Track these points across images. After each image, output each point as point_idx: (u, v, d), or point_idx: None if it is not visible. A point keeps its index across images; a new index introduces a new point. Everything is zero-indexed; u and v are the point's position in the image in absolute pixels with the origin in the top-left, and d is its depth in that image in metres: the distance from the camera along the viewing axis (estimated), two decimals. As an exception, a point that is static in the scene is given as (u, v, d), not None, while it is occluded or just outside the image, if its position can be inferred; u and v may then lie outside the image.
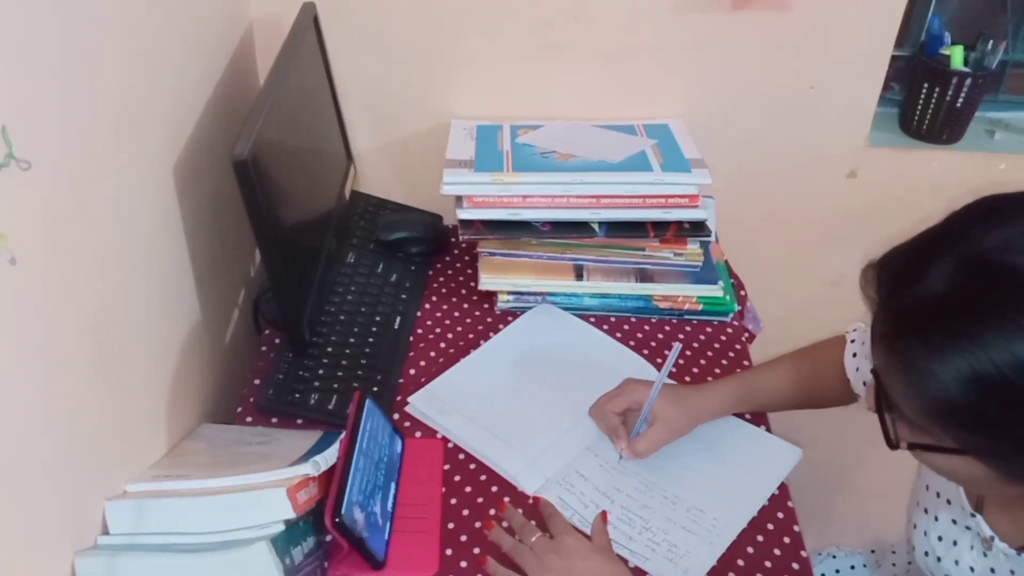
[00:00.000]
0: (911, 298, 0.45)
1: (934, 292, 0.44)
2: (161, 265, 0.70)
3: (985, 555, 0.59)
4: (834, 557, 0.87)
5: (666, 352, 0.74)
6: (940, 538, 0.62)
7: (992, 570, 0.58)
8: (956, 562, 0.61)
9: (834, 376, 0.72)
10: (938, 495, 0.63)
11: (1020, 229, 0.44)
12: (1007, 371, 0.41)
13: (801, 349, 0.77)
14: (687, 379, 0.83)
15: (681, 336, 0.89)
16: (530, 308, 0.89)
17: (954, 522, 0.62)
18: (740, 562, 0.66)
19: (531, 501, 0.70)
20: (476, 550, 0.66)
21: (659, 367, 0.84)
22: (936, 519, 0.63)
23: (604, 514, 0.67)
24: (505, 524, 0.67)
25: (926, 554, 0.64)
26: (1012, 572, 0.57)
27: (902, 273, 0.47)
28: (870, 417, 0.85)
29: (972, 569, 0.60)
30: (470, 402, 0.77)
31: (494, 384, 0.80)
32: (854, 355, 0.71)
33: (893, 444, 0.50)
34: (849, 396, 0.73)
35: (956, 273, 0.44)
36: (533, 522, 0.66)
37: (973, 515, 0.59)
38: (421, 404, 0.77)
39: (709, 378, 0.84)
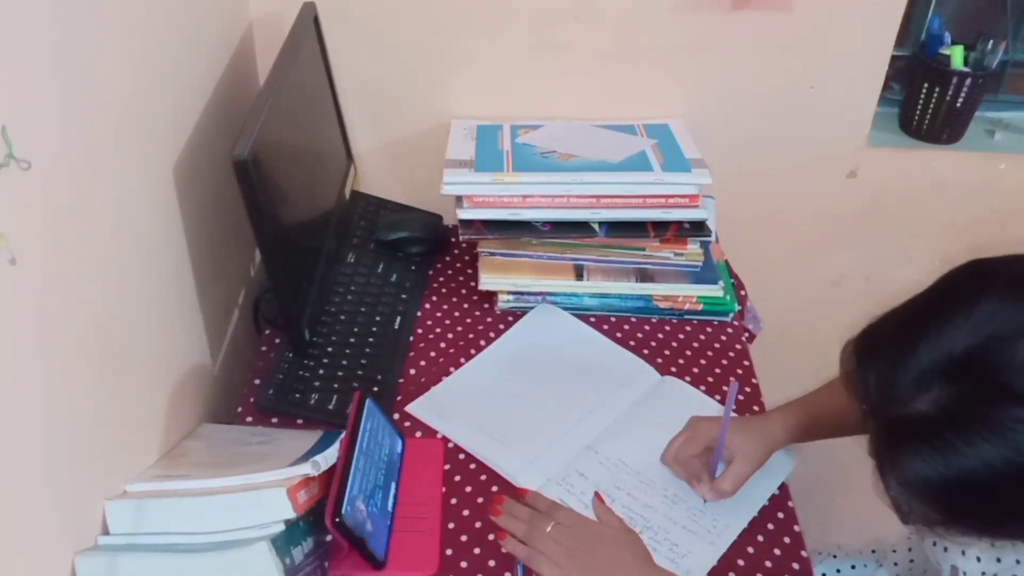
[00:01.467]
0: (897, 415, 0.46)
1: (920, 412, 0.45)
2: (161, 265, 0.70)
3: (992, 544, 0.59)
4: (834, 557, 0.87)
5: (732, 382, 0.71)
6: None
7: (998, 560, 0.59)
8: (963, 552, 0.61)
9: None
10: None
11: (1004, 325, 0.43)
12: (988, 477, 0.43)
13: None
14: (687, 379, 0.83)
15: (681, 336, 0.88)
16: (530, 308, 0.89)
17: None
18: (740, 562, 0.66)
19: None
20: (476, 550, 0.66)
21: (660, 368, 0.84)
22: None
23: (599, 495, 0.67)
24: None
25: (934, 543, 0.64)
26: (1018, 561, 0.57)
27: (885, 380, 0.47)
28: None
29: (979, 559, 0.60)
30: (469, 406, 0.77)
31: (493, 387, 0.80)
32: None
33: (906, 523, 0.51)
34: None
35: (938, 391, 0.44)
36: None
37: None
38: (420, 411, 0.77)
39: (709, 378, 0.84)
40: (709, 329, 0.90)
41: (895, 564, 0.82)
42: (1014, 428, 0.42)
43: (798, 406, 0.73)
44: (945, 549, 0.62)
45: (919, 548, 0.81)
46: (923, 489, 0.45)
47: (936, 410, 0.44)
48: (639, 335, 0.88)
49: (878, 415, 0.47)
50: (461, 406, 0.78)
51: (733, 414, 0.71)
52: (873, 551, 0.86)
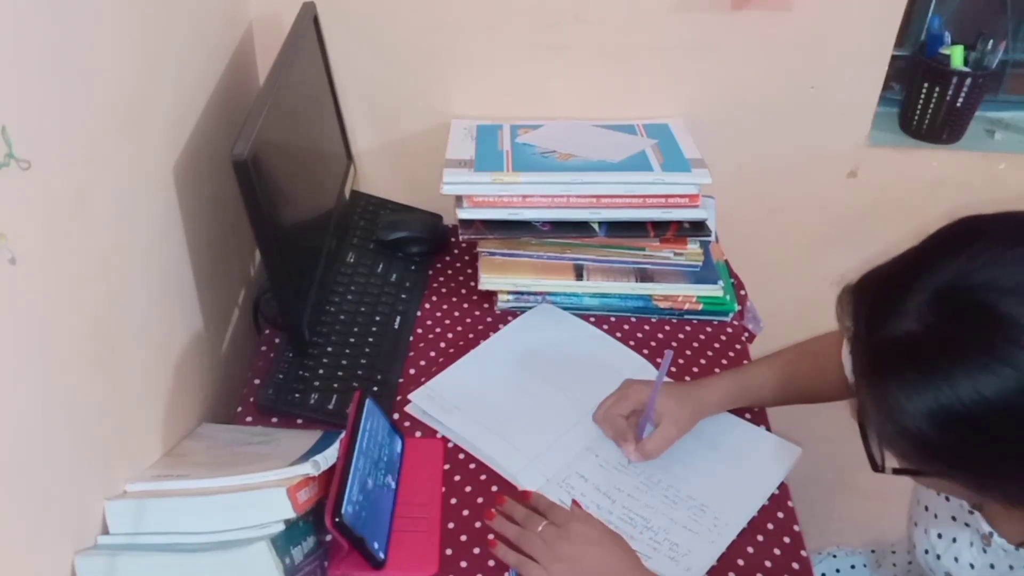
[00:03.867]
0: (886, 337, 0.46)
1: (908, 332, 0.44)
2: (161, 265, 0.70)
3: (984, 551, 0.59)
4: (834, 556, 0.87)
5: (665, 352, 0.73)
6: (940, 535, 0.62)
7: (992, 566, 0.59)
8: (956, 559, 0.61)
9: (832, 371, 0.72)
10: (938, 492, 0.63)
11: (994, 262, 0.44)
12: (975, 408, 0.42)
13: (799, 343, 0.77)
14: (687, 379, 0.83)
15: (681, 336, 0.89)
16: (530, 308, 0.89)
17: (953, 519, 0.62)
18: (740, 561, 0.66)
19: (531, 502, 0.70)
20: (476, 550, 0.66)
21: (659, 367, 0.84)
22: (936, 516, 0.63)
23: (575, 502, 0.67)
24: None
25: (926, 552, 0.64)
26: (1011, 567, 0.57)
27: (877, 308, 0.47)
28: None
29: (972, 566, 0.60)
30: (471, 400, 0.77)
31: (495, 382, 0.80)
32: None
33: (878, 468, 0.50)
34: (847, 390, 0.73)
35: (929, 312, 0.44)
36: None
37: (971, 512, 0.59)
38: (422, 401, 0.77)
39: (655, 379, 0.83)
40: (709, 329, 0.90)
41: (894, 564, 0.82)
42: (1003, 348, 0.41)
43: (732, 375, 0.75)
44: (938, 557, 0.62)
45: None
46: (906, 418, 0.44)
47: (925, 331, 0.44)
48: (639, 335, 0.88)
49: (867, 343, 0.47)
50: (462, 399, 0.77)
51: (667, 380, 0.73)
52: (873, 551, 0.86)
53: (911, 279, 0.46)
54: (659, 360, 0.83)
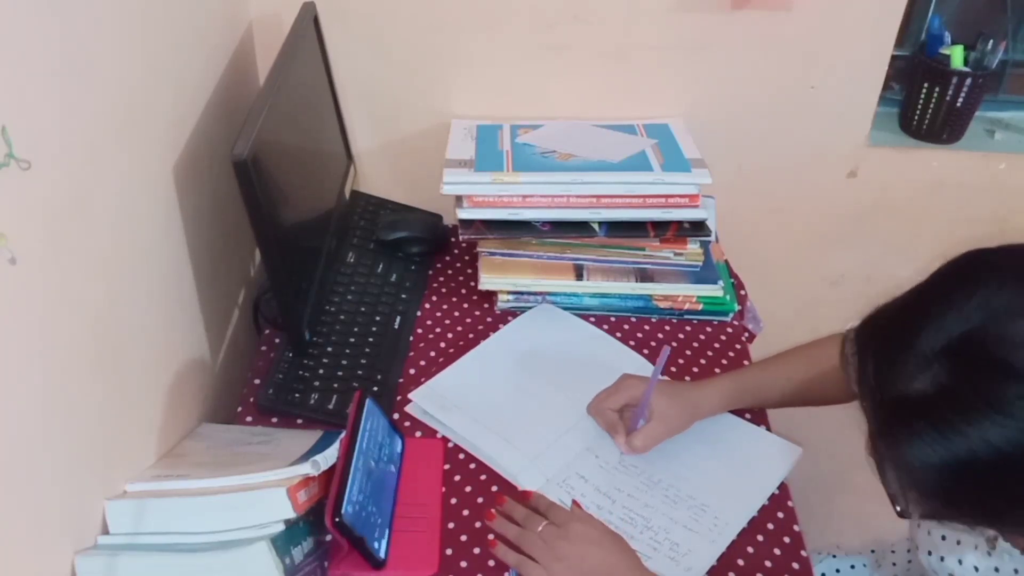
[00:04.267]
0: (897, 396, 0.45)
1: (919, 391, 0.44)
2: (161, 265, 0.70)
3: (989, 554, 0.59)
4: (834, 557, 0.87)
5: (663, 348, 0.74)
6: (944, 537, 0.62)
7: (996, 569, 0.58)
8: (960, 561, 0.61)
9: (832, 374, 0.72)
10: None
11: (1003, 312, 0.43)
12: (991, 461, 0.42)
13: (799, 347, 0.77)
14: (687, 378, 0.83)
15: (681, 336, 0.89)
16: (530, 308, 0.89)
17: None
18: (740, 561, 0.66)
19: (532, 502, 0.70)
20: (476, 550, 0.66)
21: (656, 363, 0.84)
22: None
23: (576, 503, 0.67)
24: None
25: (929, 553, 0.63)
26: (1016, 571, 0.57)
27: (884, 363, 0.47)
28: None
29: (976, 568, 0.60)
30: (472, 399, 0.77)
31: (495, 382, 0.80)
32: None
33: (903, 514, 0.50)
34: (847, 394, 0.73)
35: (940, 369, 0.44)
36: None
37: None
38: (422, 400, 0.77)
39: (651, 375, 0.83)
40: (709, 329, 0.90)
41: (893, 564, 0.82)
42: (1015, 404, 0.41)
43: (731, 377, 0.75)
44: (942, 559, 0.62)
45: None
46: (922, 474, 0.44)
47: (936, 389, 0.43)
48: (639, 335, 0.88)
49: (877, 399, 0.47)
50: (463, 399, 0.77)
51: (664, 378, 0.74)
52: (872, 551, 0.86)
53: (919, 329, 0.45)
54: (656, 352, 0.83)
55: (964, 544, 0.61)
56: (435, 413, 0.76)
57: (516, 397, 0.79)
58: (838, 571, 0.85)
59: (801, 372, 0.75)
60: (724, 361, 0.86)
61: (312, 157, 0.88)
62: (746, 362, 0.86)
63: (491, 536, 0.64)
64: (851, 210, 1.08)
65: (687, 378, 0.83)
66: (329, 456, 0.63)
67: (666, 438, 0.72)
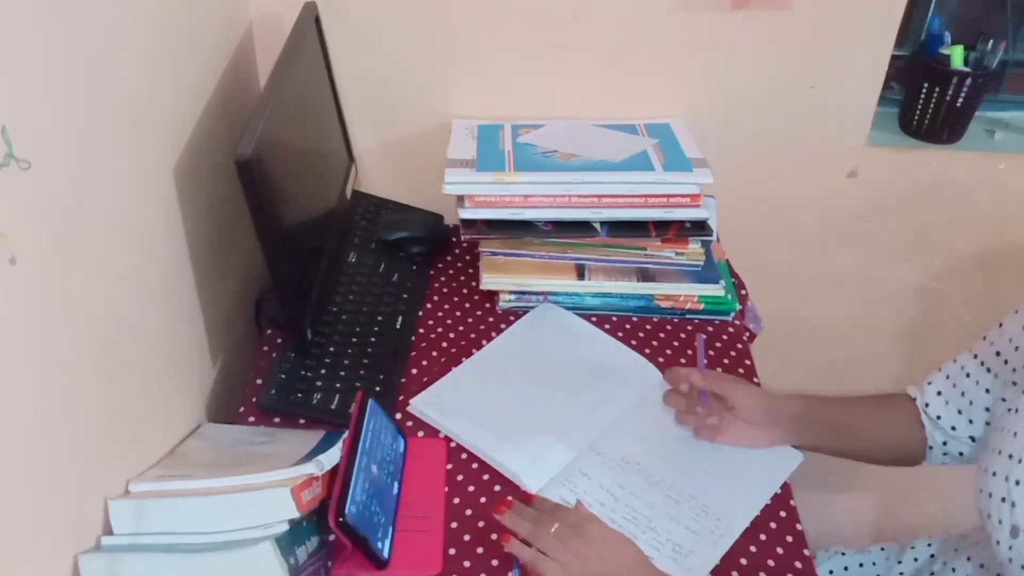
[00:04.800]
0: None
1: None
2: (162, 265, 0.69)
3: None
4: (842, 554, 0.87)
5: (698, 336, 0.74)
6: (1018, 482, 0.60)
7: None
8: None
9: (898, 432, 0.74)
10: None
11: None
12: None
13: (865, 397, 0.77)
14: (689, 378, 0.83)
15: (682, 335, 0.88)
16: (532, 308, 0.89)
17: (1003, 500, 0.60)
18: (743, 561, 0.66)
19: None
20: (480, 549, 0.66)
21: (661, 367, 0.84)
22: (1019, 461, 0.60)
23: (580, 504, 0.66)
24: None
25: (1003, 500, 0.61)
26: None
27: None
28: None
29: None
30: (472, 403, 0.77)
31: (496, 385, 0.80)
32: (938, 417, 0.72)
33: None
34: (904, 459, 0.75)
35: None
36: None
37: None
38: (422, 406, 0.77)
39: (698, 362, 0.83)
40: (710, 328, 0.90)
41: (899, 563, 0.82)
42: None
43: (805, 397, 0.75)
44: (1014, 504, 0.59)
45: (924, 547, 0.81)
46: None
47: None
48: (640, 334, 0.88)
49: None
50: (463, 402, 0.77)
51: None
52: (882, 548, 0.86)
53: None
54: (661, 360, 0.83)
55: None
56: (435, 418, 0.76)
57: (517, 399, 0.79)
58: (846, 568, 0.85)
59: (867, 414, 0.75)
60: (726, 361, 0.86)
61: (314, 157, 0.88)
62: (748, 362, 0.86)
63: (501, 533, 0.64)
64: (851, 210, 1.08)
65: (689, 378, 0.83)
66: (332, 456, 0.63)
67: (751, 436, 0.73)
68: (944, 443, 0.72)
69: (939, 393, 0.72)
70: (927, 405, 0.73)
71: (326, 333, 0.82)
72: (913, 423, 0.73)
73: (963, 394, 0.71)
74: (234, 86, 0.86)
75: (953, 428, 0.71)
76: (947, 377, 0.72)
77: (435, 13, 0.93)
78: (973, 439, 0.71)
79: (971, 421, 0.70)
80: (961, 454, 0.72)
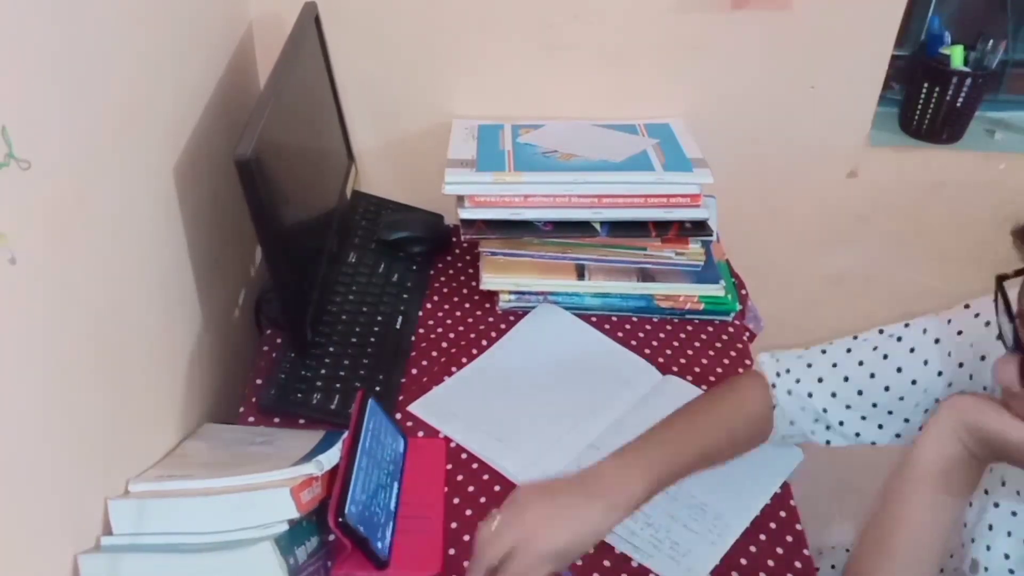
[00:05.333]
0: None
1: None
2: (161, 265, 0.69)
3: None
4: (847, 551, 0.86)
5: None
6: (983, 517, 0.61)
7: None
8: (988, 547, 0.60)
9: (756, 414, 0.67)
10: (996, 475, 0.61)
11: None
12: None
13: (699, 404, 0.68)
14: (688, 378, 0.83)
15: (682, 336, 0.88)
16: (532, 308, 0.89)
17: (996, 505, 0.61)
18: (743, 561, 0.66)
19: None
20: (479, 550, 0.66)
21: (661, 367, 0.84)
22: (989, 496, 0.61)
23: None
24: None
25: (964, 525, 0.62)
26: None
27: None
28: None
29: (1007, 556, 0.59)
30: (470, 406, 0.77)
31: (494, 387, 0.80)
32: (788, 392, 0.66)
33: None
34: (759, 436, 0.68)
35: None
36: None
37: None
38: (422, 412, 0.77)
39: (711, 377, 0.83)
40: (710, 329, 0.90)
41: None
42: None
43: (644, 472, 0.61)
44: (972, 540, 0.61)
45: None
46: None
47: None
48: (640, 335, 0.88)
49: None
50: (463, 406, 0.78)
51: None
52: None
53: None
54: (661, 361, 0.83)
55: (996, 530, 0.60)
56: (435, 423, 0.76)
57: (515, 401, 0.78)
58: None
59: (714, 438, 0.65)
60: (726, 361, 0.86)
61: (314, 157, 0.88)
62: (748, 362, 0.86)
63: None
64: (851, 210, 1.08)
65: (688, 378, 0.83)
66: (332, 456, 0.63)
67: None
68: (792, 423, 0.66)
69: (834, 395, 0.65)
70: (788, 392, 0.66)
71: (326, 333, 0.82)
72: (764, 408, 0.66)
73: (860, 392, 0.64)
74: (234, 86, 0.86)
75: (841, 423, 0.65)
76: (834, 366, 0.65)
77: (435, 13, 0.93)
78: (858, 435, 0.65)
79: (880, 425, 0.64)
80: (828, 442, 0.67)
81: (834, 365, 0.66)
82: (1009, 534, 0.59)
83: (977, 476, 0.57)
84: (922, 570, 0.56)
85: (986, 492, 0.62)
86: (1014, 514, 0.59)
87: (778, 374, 0.68)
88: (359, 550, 0.61)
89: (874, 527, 0.58)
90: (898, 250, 1.12)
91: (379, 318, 0.86)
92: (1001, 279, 0.52)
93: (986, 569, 0.60)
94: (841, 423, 0.66)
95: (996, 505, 0.61)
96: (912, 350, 0.64)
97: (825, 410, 0.66)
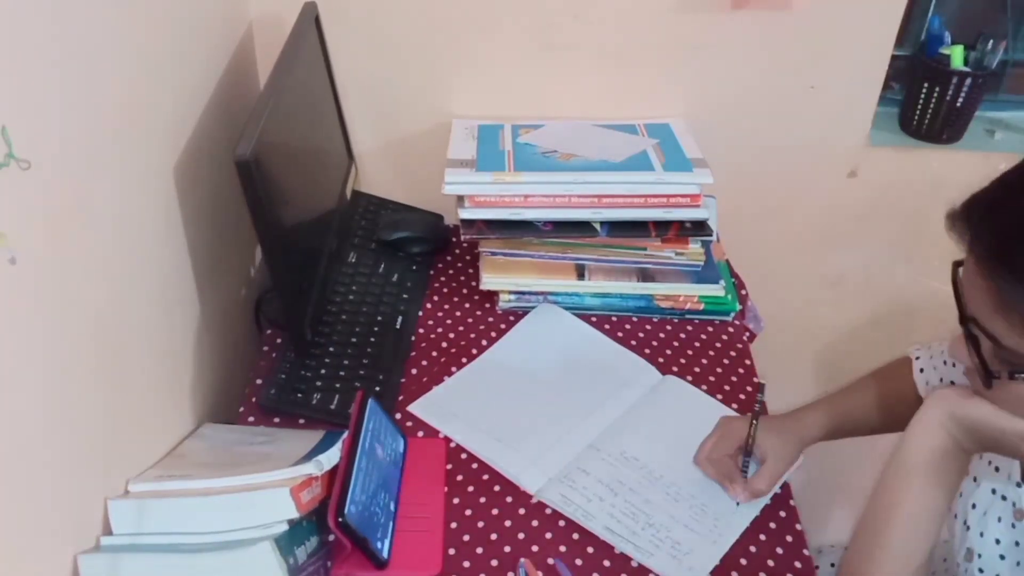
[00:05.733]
0: (1000, 229, 0.49)
1: (1017, 221, 0.48)
2: (161, 265, 0.69)
3: (1013, 526, 0.59)
4: (846, 549, 0.87)
5: (760, 385, 0.73)
6: (974, 505, 0.62)
7: (1016, 543, 0.58)
8: (981, 533, 0.61)
9: (910, 395, 0.73)
10: (989, 463, 0.62)
11: None
12: None
13: (872, 372, 0.76)
14: (688, 378, 0.83)
15: (682, 336, 0.88)
16: (531, 308, 0.89)
17: (993, 491, 0.61)
18: (743, 561, 0.66)
19: (533, 501, 0.70)
20: (479, 549, 0.66)
21: (661, 367, 0.84)
22: (978, 485, 0.62)
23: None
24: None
25: (955, 516, 0.63)
26: None
27: (988, 210, 0.51)
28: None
29: (998, 541, 0.59)
30: (470, 407, 0.77)
31: (495, 387, 0.80)
32: (921, 370, 0.72)
33: (993, 376, 0.52)
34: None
35: None
36: None
37: (1019, 485, 0.59)
38: (422, 412, 0.77)
39: (711, 377, 0.84)
40: (710, 329, 0.90)
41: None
42: None
43: (826, 405, 0.74)
44: (967, 527, 0.62)
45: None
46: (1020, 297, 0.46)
47: None
48: (640, 335, 0.88)
49: (983, 234, 0.50)
50: (462, 407, 0.78)
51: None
52: None
53: (1015, 187, 0.51)
54: (661, 361, 0.83)
55: (990, 515, 0.60)
56: (435, 423, 0.76)
57: (515, 401, 0.79)
58: None
59: (884, 394, 0.74)
60: (726, 361, 0.86)
61: (314, 157, 0.88)
62: (748, 362, 0.86)
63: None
64: (851, 210, 1.08)
65: (688, 378, 0.83)
66: (332, 456, 0.63)
67: (785, 476, 0.69)
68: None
69: (921, 371, 0.72)
70: (921, 370, 0.72)
71: (326, 333, 0.82)
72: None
73: (942, 380, 0.70)
74: (234, 86, 0.86)
75: None
76: (931, 358, 0.72)
77: (435, 13, 0.93)
78: None
79: None
80: None
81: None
82: (1000, 519, 0.60)
83: (965, 466, 0.59)
84: (915, 560, 0.57)
85: (975, 480, 0.63)
86: (1004, 498, 0.60)
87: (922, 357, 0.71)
88: (359, 550, 0.61)
89: (867, 520, 0.60)
90: (898, 250, 1.12)
91: (379, 318, 0.86)
92: (957, 265, 0.55)
93: (979, 556, 0.60)
94: None
95: (993, 491, 0.61)
96: None
97: None
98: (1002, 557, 0.59)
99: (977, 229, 0.52)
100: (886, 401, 0.74)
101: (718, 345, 0.88)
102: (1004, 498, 0.60)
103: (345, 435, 0.65)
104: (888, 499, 0.58)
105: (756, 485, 0.68)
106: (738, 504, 0.69)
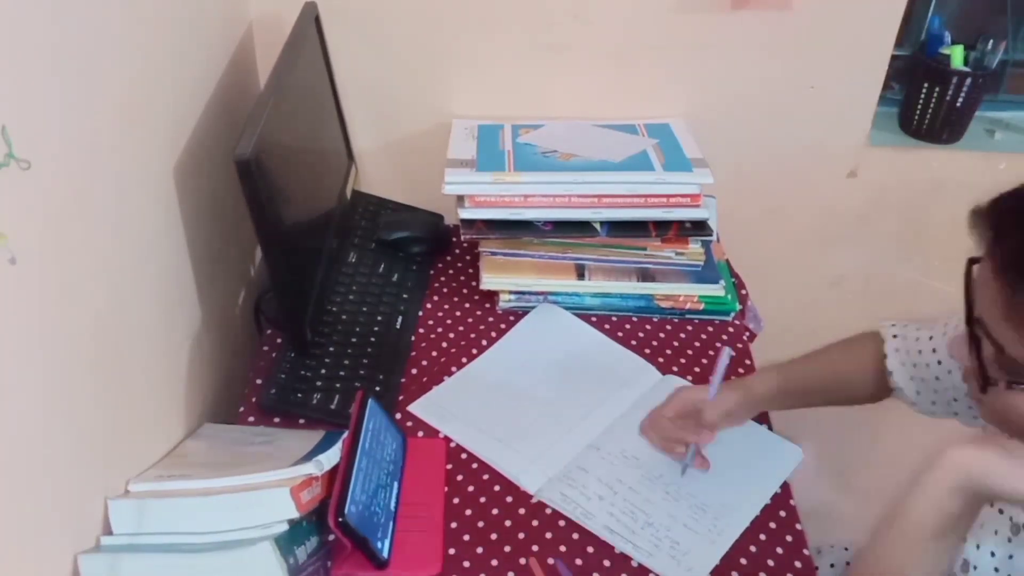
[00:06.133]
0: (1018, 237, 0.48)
1: None
2: (161, 265, 0.69)
3: (1010, 540, 0.58)
4: (846, 549, 0.87)
5: (723, 349, 0.74)
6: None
7: (1010, 556, 0.58)
8: (978, 546, 0.60)
9: (869, 369, 0.72)
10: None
11: None
12: None
13: (837, 342, 0.76)
14: (688, 378, 0.83)
15: (682, 335, 0.88)
16: (531, 308, 0.89)
17: (991, 504, 0.61)
18: (743, 560, 0.66)
19: (533, 501, 0.70)
20: (479, 549, 0.66)
21: (661, 367, 0.84)
22: None
23: None
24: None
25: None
26: None
27: (1016, 212, 0.50)
28: (871, 416, 0.84)
29: (993, 554, 0.59)
30: (470, 407, 0.77)
31: (495, 387, 0.80)
32: (896, 350, 0.71)
33: (990, 383, 0.51)
34: (880, 392, 0.72)
35: None
36: None
37: None
38: (422, 412, 0.77)
39: (710, 377, 0.83)
40: (710, 328, 0.90)
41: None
42: None
43: (780, 367, 0.74)
44: (964, 539, 0.62)
45: None
46: None
47: None
48: (640, 335, 0.88)
49: (1003, 239, 0.49)
50: (462, 407, 0.78)
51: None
52: None
53: None
54: (661, 360, 0.83)
55: (986, 528, 0.60)
56: (435, 423, 0.76)
57: (515, 401, 0.79)
58: (848, 564, 0.85)
59: (839, 365, 0.74)
60: (725, 361, 0.86)
61: (314, 157, 0.88)
62: (748, 361, 0.86)
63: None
64: (851, 210, 1.08)
65: (688, 378, 0.83)
66: (332, 456, 0.63)
67: (728, 417, 0.70)
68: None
69: (896, 351, 0.70)
70: (896, 350, 0.70)
71: (326, 333, 0.82)
72: (881, 359, 0.71)
73: (915, 365, 0.69)
74: (234, 86, 0.86)
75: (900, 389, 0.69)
76: (905, 339, 0.70)
77: (435, 13, 0.93)
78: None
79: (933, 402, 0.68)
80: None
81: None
82: (996, 532, 0.60)
83: (976, 515, 0.56)
84: None
85: None
86: (1001, 512, 0.60)
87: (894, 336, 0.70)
88: (359, 550, 0.61)
89: None
90: (898, 250, 1.12)
91: (379, 318, 0.86)
92: (972, 262, 0.54)
93: (975, 568, 0.60)
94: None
95: (991, 504, 0.61)
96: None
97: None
98: (996, 570, 0.59)
99: (1001, 229, 0.50)
100: (843, 373, 0.74)
101: (718, 345, 0.88)
102: (1001, 512, 0.60)
103: (345, 435, 0.65)
104: (897, 562, 0.55)
105: (706, 415, 0.69)
106: (682, 474, 0.71)
